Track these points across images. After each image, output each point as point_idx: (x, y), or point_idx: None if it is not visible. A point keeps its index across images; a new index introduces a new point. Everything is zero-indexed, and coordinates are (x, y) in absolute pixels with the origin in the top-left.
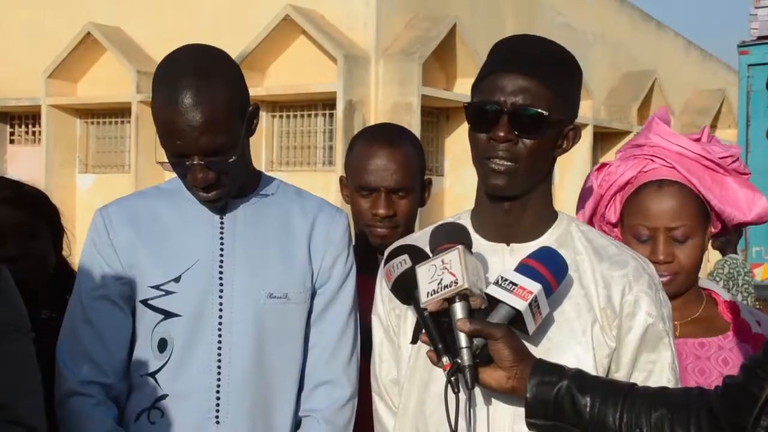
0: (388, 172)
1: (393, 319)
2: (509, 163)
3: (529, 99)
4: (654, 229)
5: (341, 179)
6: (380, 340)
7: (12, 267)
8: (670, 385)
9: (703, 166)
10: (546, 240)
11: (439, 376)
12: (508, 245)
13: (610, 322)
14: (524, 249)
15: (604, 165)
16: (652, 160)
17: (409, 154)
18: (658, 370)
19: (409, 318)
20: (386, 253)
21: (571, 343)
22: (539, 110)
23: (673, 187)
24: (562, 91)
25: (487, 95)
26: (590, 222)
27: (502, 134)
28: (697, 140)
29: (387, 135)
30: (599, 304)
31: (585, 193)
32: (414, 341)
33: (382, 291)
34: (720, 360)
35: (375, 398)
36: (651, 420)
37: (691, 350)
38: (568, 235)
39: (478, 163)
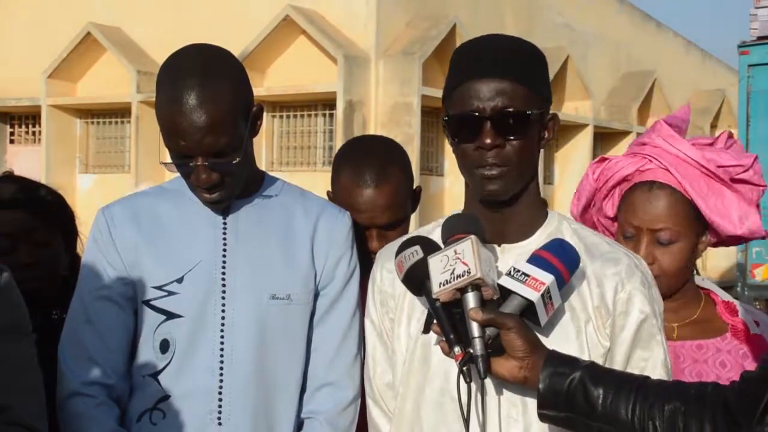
0: (378, 211)
1: (386, 323)
2: (501, 168)
3: (507, 100)
4: (638, 229)
5: (328, 195)
6: (374, 344)
7: (23, 274)
8: None
9: (702, 173)
10: (537, 239)
11: (435, 379)
12: (499, 246)
13: (604, 320)
14: (515, 249)
15: (604, 159)
16: (650, 160)
17: (397, 188)
18: (650, 368)
19: (403, 322)
20: (397, 245)
21: (565, 344)
22: (520, 110)
23: (664, 190)
24: (534, 85)
25: (465, 105)
26: (585, 213)
27: (488, 141)
28: (711, 144)
29: (373, 170)
30: (593, 303)
31: (583, 183)
32: (426, 331)
33: (374, 295)
34: (717, 363)
35: (369, 402)
36: (664, 413)
37: (689, 353)
38: (559, 234)
39: (468, 173)
